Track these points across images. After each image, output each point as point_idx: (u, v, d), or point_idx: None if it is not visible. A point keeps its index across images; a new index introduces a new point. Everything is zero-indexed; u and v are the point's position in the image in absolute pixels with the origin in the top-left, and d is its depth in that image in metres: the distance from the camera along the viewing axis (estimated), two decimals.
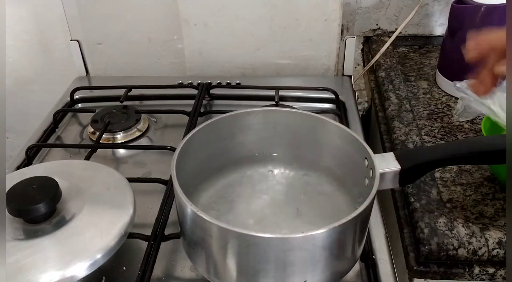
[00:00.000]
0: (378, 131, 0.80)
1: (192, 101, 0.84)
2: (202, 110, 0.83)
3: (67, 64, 1.05)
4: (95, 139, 0.77)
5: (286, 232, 0.44)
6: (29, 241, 0.50)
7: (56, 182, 0.53)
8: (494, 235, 0.56)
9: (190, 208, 0.45)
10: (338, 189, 0.59)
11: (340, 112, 0.84)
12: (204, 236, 0.46)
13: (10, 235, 0.51)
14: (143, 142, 0.80)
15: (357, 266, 0.55)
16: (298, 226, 0.56)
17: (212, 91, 0.89)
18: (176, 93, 0.89)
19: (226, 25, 0.92)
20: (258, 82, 0.90)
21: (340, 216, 0.44)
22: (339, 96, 0.85)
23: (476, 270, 0.56)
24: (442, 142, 0.71)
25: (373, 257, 0.56)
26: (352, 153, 0.55)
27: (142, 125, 0.81)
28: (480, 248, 0.55)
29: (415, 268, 0.57)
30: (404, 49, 0.99)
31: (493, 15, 0.74)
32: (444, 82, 0.83)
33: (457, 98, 0.65)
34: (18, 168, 0.72)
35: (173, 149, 0.62)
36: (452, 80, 0.77)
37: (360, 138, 0.54)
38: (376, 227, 0.60)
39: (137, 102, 0.90)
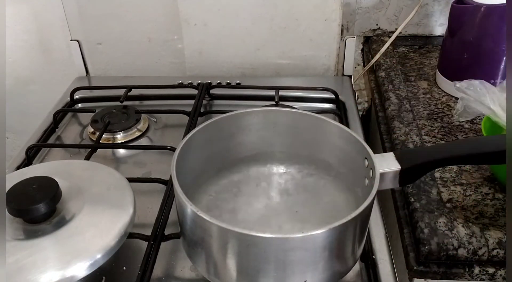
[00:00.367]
0: (378, 132, 0.80)
1: (192, 101, 0.84)
2: (202, 110, 0.83)
3: (67, 64, 1.05)
4: (95, 139, 0.77)
5: (286, 232, 0.44)
6: (29, 241, 0.50)
7: (56, 182, 0.53)
8: (494, 235, 0.56)
9: (190, 208, 0.45)
10: (338, 189, 0.59)
11: (340, 112, 0.84)
12: (204, 236, 0.46)
13: (10, 235, 0.51)
14: (143, 142, 0.80)
15: (357, 266, 0.55)
16: (298, 226, 0.56)
17: (212, 91, 0.89)
18: (176, 93, 0.89)
19: (226, 25, 0.92)
20: (258, 82, 0.90)
21: (340, 216, 0.44)
22: (339, 96, 0.85)
23: (476, 270, 0.56)
24: (442, 142, 0.71)
25: (373, 257, 0.56)
26: (352, 153, 0.55)
27: (142, 125, 0.81)
28: (480, 248, 0.55)
29: (415, 268, 0.57)
30: (404, 49, 0.99)
31: (493, 15, 0.74)
32: (444, 82, 0.83)
33: (457, 98, 0.65)
34: (18, 168, 0.72)
35: (173, 149, 0.62)
36: (452, 80, 0.78)
37: (360, 138, 0.54)
38: (376, 227, 0.60)
39: (137, 102, 0.90)
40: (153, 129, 0.82)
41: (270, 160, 0.63)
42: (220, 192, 0.60)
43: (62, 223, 0.52)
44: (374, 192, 0.47)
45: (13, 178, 0.54)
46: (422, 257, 0.56)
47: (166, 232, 0.58)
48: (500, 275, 0.56)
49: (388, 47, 0.94)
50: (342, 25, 0.95)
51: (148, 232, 0.57)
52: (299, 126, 0.60)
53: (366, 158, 0.53)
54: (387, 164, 0.52)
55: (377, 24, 1.01)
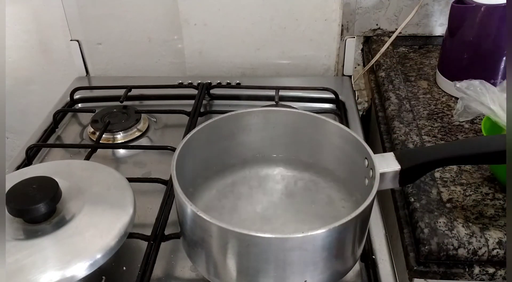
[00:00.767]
0: (378, 132, 0.80)
1: (192, 101, 0.84)
2: (202, 110, 0.83)
3: (67, 64, 1.05)
4: (95, 139, 0.77)
5: (286, 232, 0.44)
6: (29, 241, 0.50)
7: (56, 182, 0.53)
8: (494, 235, 0.56)
9: (190, 208, 0.45)
10: (338, 189, 0.59)
11: (340, 112, 0.84)
12: (204, 236, 0.46)
13: (10, 235, 0.51)
14: (143, 142, 0.80)
15: (357, 266, 0.55)
16: (298, 226, 0.56)
17: (212, 91, 0.89)
18: (176, 93, 0.90)
19: (226, 25, 0.92)
20: (258, 82, 0.90)
21: (340, 216, 0.44)
22: (339, 96, 0.86)
23: (476, 270, 0.56)
24: (442, 142, 0.71)
25: (373, 257, 0.56)
26: (352, 153, 0.55)
27: (142, 125, 0.81)
28: (480, 248, 0.55)
29: (415, 268, 0.57)
30: (404, 49, 0.99)
31: (493, 15, 0.74)
32: (444, 82, 0.83)
33: (457, 98, 0.65)
34: (18, 168, 0.72)
35: (173, 149, 0.62)
36: (452, 80, 0.78)
37: (360, 138, 0.54)
38: (376, 227, 0.60)
39: (137, 102, 0.90)
40: (153, 129, 0.82)
41: (270, 160, 0.63)
42: (220, 192, 0.60)
43: (62, 223, 0.52)
44: (374, 192, 0.47)
45: (13, 178, 0.54)
46: (422, 257, 0.56)
47: (166, 232, 0.58)
48: (500, 275, 0.56)
49: (388, 47, 0.94)
50: (342, 25, 0.95)
51: (148, 232, 0.57)
52: (299, 126, 0.60)
53: (366, 158, 0.53)
54: (387, 164, 0.52)
55: (377, 24, 1.01)
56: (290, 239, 0.43)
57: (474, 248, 0.55)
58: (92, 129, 0.80)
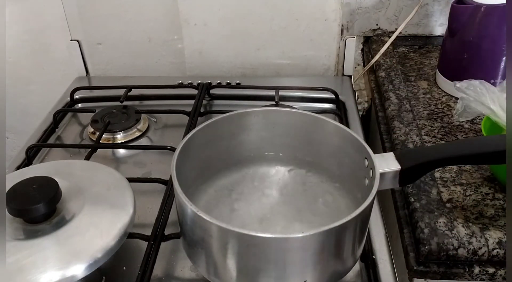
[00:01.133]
0: (378, 132, 0.80)
1: (192, 101, 0.84)
2: (202, 110, 0.84)
3: (67, 64, 1.05)
4: (95, 139, 0.77)
5: (286, 232, 0.44)
6: (29, 241, 0.50)
7: (56, 182, 0.53)
8: (494, 235, 0.56)
9: (190, 208, 0.45)
10: (338, 189, 0.59)
11: (340, 112, 0.84)
12: (204, 236, 0.46)
13: (10, 235, 0.51)
14: (143, 142, 0.80)
15: (357, 266, 0.55)
16: (298, 226, 0.56)
17: (212, 91, 0.89)
18: (176, 93, 0.90)
19: (226, 25, 0.92)
20: (258, 82, 0.90)
21: (340, 216, 0.44)
22: (339, 96, 0.86)
23: (476, 270, 0.56)
24: (442, 142, 0.71)
25: (373, 257, 0.56)
26: (352, 153, 0.55)
27: (142, 125, 0.81)
28: (480, 248, 0.55)
29: (415, 268, 0.57)
30: (404, 49, 0.99)
31: (493, 15, 0.74)
32: (444, 82, 0.83)
33: (457, 98, 0.65)
34: (18, 168, 0.72)
35: (173, 149, 0.62)
36: (452, 80, 0.77)
37: (360, 138, 0.54)
38: (376, 227, 0.60)
39: (137, 102, 0.90)
40: (153, 129, 0.82)
41: (270, 160, 0.63)
42: (220, 192, 0.60)
43: (62, 223, 0.52)
44: (374, 192, 0.47)
45: (13, 178, 0.54)
46: (422, 257, 0.56)
47: (166, 232, 0.58)
48: (500, 275, 0.56)
49: (388, 47, 0.94)
50: (342, 25, 0.96)
51: (148, 232, 0.57)
52: (299, 126, 0.60)
53: (366, 158, 0.53)
54: (387, 164, 0.52)
55: (377, 24, 1.01)
56: (290, 239, 0.43)
57: (474, 248, 0.55)
58: (92, 129, 0.80)
